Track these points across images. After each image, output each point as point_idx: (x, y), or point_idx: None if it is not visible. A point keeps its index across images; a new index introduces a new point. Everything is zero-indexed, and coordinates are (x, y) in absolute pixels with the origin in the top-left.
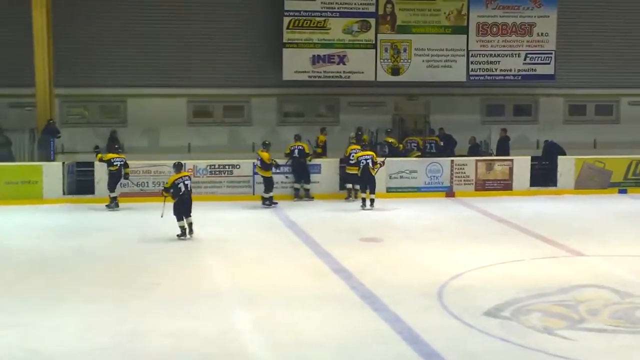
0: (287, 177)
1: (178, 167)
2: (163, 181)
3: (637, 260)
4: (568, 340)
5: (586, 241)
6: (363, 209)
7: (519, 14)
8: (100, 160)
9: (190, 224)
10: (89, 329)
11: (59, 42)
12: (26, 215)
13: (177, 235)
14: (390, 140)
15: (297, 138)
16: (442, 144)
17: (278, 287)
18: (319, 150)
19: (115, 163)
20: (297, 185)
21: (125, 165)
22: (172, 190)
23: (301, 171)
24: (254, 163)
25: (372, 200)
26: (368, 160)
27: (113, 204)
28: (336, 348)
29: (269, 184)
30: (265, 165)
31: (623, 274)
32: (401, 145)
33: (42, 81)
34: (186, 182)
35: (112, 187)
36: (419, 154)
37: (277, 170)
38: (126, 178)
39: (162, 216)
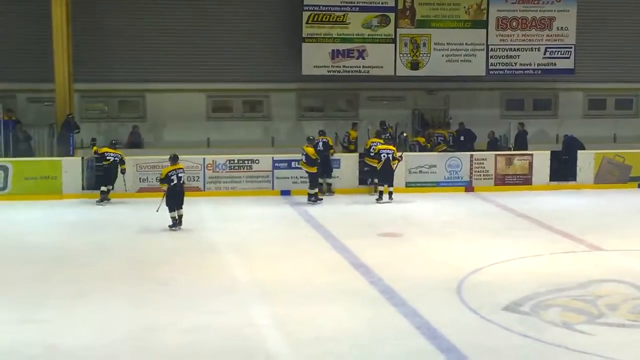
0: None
1: (173, 159)
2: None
3: None
4: (587, 335)
5: (605, 236)
6: (378, 202)
7: (539, 8)
8: (95, 153)
9: (180, 216)
10: (106, 324)
11: (79, 37)
12: (45, 210)
13: (169, 226)
14: (418, 139)
15: (322, 133)
16: (461, 138)
17: (296, 282)
18: (351, 147)
19: (108, 157)
20: (320, 180)
21: (121, 162)
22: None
23: (324, 165)
24: (302, 154)
25: (390, 193)
26: (389, 155)
27: (104, 199)
28: (354, 343)
29: (314, 180)
30: (311, 161)
31: None
32: (429, 144)
33: (61, 76)
34: (179, 175)
35: (104, 181)
36: (445, 147)
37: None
38: (122, 173)
39: (157, 210)
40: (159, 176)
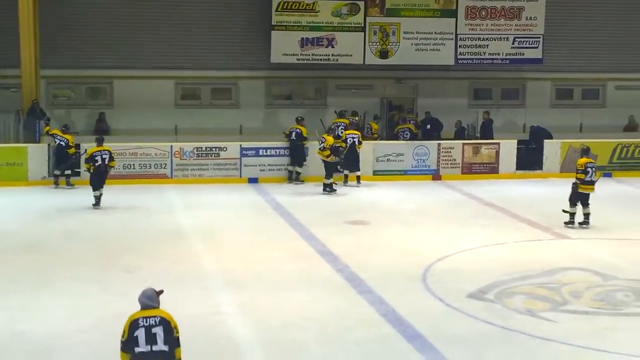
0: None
1: (99, 141)
2: (149, 163)
3: (620, 244)
4: (551, 323)
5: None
6: (345, 185)
7: None
8: (47, 133)
9: (100, 195)
10: (74, 311)
11: (45, 22)
12: (11, 197)
13: (92, 205)
14: (371, 124)
15: (298, 120)
16: (427, 126)
17: (263, 269)
18: (375, 135)
19: (56, 140)
20: (290, 168)
21: (111, 159)
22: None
23: (296, 154)
24: (319, 141)
25: (358, 178)
26: (355, 139)
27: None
28: (321, 330)
29: (330, 169)
30: (330, 149)
31: (606, 257)
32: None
33: (27, 62)
34: (104, 156)
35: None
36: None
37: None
38: (71, 158)
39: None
40: (84, 155)
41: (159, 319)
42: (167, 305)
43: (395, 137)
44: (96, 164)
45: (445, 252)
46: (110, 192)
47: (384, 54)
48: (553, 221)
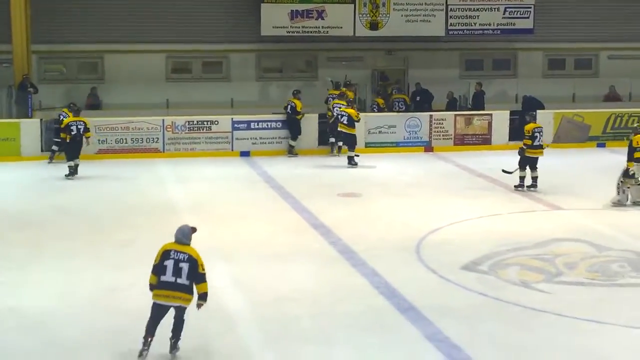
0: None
1: (76, 112)
2: (141, 137)
3: (614, 214)
4: (545, 294)
5: (564, 195)
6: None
7: None
8: (60, 128)
9: (76, 166)
10: (68, 285)
11: None
12: (4, 172)
13: (66, 175)
14: (377, 100)
15: (294, 93)
16: (417, 98)
17: (256, 242)
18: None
19: (72, 127)
20: (291, 142)
21: (86, 130)
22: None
23: (290, 127)
24: (338, 114)
25: (339, 147)
26: (343, 117)
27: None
28: (314, 303)
29: (353, 142)
30: (352, 122)
31: (600, 228)
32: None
33: (18, 37)
34: (79, 126)
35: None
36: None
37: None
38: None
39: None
40: (59, 125)
41: (187, 256)
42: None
43: (389, 109)
44: (72, 134)
45: (438, 224)
46: (103, 167)
47: (374, 26)
48: (546, 192)
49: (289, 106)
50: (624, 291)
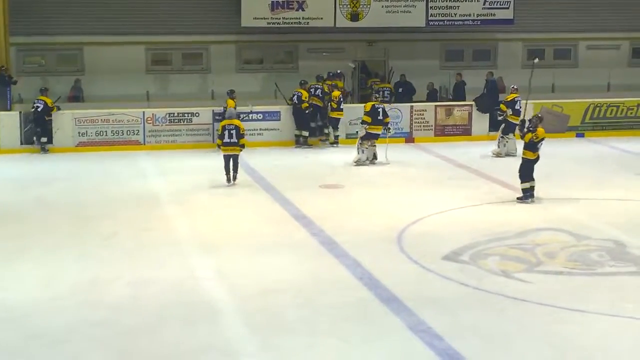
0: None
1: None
2: (122, 130)
3: (593, 204)
4: (525, 283)
5: (544, 185)
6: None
7: None
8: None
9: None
10: (50, 278)
11: None
12: None
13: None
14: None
15: (301, 84)
16: (399, 90)
17: (238, 234)
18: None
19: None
20: (297, 132)
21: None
22: None
23: (298, 117)
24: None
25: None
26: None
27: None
28: (297, 294)
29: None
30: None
31: (580, 217)
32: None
33: None
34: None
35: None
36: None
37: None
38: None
39: None
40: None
41: (234, 126)
42: (144, 271)
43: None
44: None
45: (420, 215)
46: (84, 160)
47: (354, 17)
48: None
49: (295, 96)
50: (603, 280)
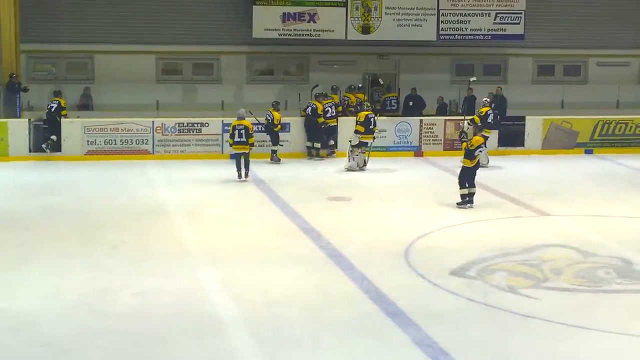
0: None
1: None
2: (131, 139)
3: (601, 220)
4: (532, 299)
5: (552, 201)
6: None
7: None
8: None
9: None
10: (57, 287)
11: None
12: None
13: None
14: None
15: (316, 96)
16: (410, 103)
17: (246, 246)
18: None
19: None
20: (308, 144)
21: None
22: None
23: (311, 130)
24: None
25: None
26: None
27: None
28: (304, 307)
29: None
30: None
31: (587, 234)
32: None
33: (7, 37)
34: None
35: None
36: (399, 113)
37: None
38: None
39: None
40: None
41: (243, 126)
42: (152, 281)
43: (382, 107)
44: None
45: (427, 229)
46: (92, 168)
47: (365, 30)
48: (534, 198)
49: (310, 108)
50: (609, 297)
